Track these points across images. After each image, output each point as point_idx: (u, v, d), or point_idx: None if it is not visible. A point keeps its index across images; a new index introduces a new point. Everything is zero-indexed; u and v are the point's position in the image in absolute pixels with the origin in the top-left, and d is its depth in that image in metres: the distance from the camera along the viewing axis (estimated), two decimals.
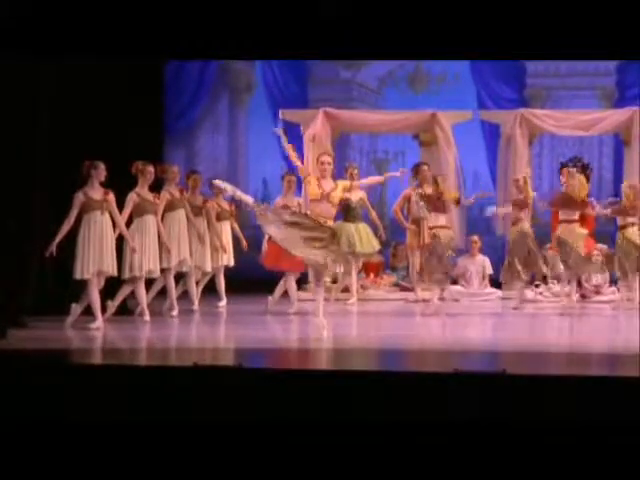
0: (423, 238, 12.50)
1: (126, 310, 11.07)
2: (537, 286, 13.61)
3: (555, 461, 6.08)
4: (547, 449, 6.11)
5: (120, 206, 10.36)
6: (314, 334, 9.29)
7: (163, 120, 15.16)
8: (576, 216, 11.90)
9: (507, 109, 14.83)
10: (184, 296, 11.82)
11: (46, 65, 10.26)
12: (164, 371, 7.48)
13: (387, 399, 6.52)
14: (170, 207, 11.33)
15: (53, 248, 9.81)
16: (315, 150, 13.51)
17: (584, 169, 15.03)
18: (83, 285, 10.08)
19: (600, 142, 15.85)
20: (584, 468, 6.07)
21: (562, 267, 12.03)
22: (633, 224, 12.12)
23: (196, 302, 11.84)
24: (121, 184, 10.54)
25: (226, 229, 12.25)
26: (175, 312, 11.35)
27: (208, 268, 11.90)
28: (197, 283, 12.00)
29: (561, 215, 11.96)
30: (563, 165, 14.34)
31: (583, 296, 13.43)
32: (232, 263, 12.24)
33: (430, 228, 11.91)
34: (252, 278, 12.32)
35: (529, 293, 13.24)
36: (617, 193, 12.97)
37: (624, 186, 12.48)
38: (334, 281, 13.35)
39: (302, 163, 9.67)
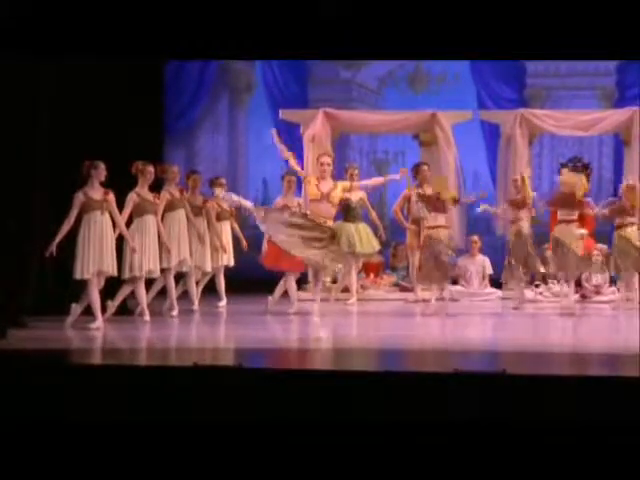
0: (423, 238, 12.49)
1: (126, 310, 11.07)
2: (537, 286, 13.61)
3: (555, 461, 6.08)
4: (547, 449, 6.11)
5: (120, 206, 10.36)
6: (314, 334, 9.28)
7: (163, 120, 15.16)
8: (574, 216, 11.89)
9: (507, 109, 14.83)
10: (184, 296, 11.82)
11: (46, 65, 10.26)
12: (164, 371, 7.48)
13: (387, 399, 6.52)
14: (170, 207, 11.33)
15: (53, 248, 9.81)
16: (315, 150, 13.53)
17: (584, 169, 15.06)
18: (83, 285, 10.08)
19: (600, 142, 15.85)
20: (584, 468, 6.07)
21: (555, 267, 12.00)
22: (632, 224, 12.11)
23: (196, 302, 11.84)
24: (121, 184, 10.54)
25: (226, 229, 12.25)
26: (175, 312, 11.35)
27: (208, 268, 11.90)
28: (197, 283, 12.00)
29: (559, 215, 11.95)
30: (563, 165, 14.36)
31: (583, 296, 13.43)
32: (232, 263, 12.24)
33: (428, 228, 11.90)
34: (252, 278, 12.32)
35: (529, 293, 13.25)
36: (617, 193, 12.96)
37: (622, 186, 12.48)
38: (334, 281, 13.35)
39: (301, 164, 9.67)
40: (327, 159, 9.58)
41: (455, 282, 13.73)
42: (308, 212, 9.47)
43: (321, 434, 6.26)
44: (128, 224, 10.60)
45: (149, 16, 7.96)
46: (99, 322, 10.00)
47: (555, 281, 13.34)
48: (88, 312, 10.08)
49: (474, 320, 12.11)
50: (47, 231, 10.09)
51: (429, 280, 11.92)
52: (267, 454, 6.23)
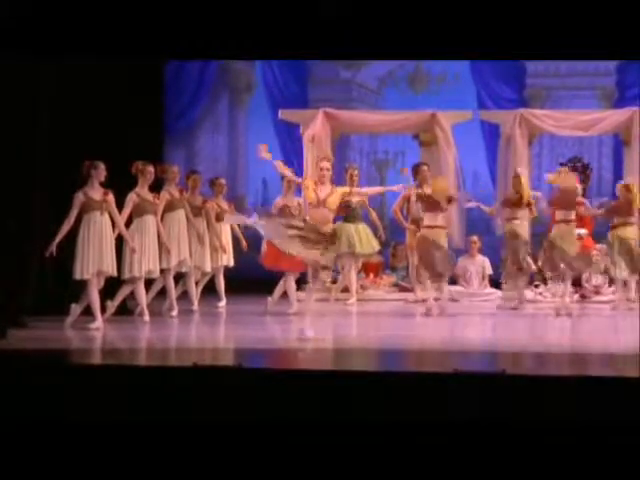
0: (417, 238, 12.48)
1: (126, 310, 11.07)
2: (537, 286, 13.61)
3: (555, 461, 6.08)
4: (547, 449, 6.11)
5: (120, 206, 10.37)
6: (314, 334, 9.28)
7: (163, 120, 15.16)
8: (573, 216, 11.89)
9: (507, 109, 14.82)
10: (184, 296, 11.81)
11: (46, 65, 10.25)
12: (164, 371, 7.49)
13: (387, 399, 6.52)
14: (170, 207, 11.33)
15: (53, 248, 9.81)
16: (314, 150, 13.54)
17: (584, 169, 15.08)
18: (83, 285, 10.08)
19: (600, 142, 15.85)
20: (584, 468, 6.07)
21: (548, 268, 11.99)
22: (630, 224, 12.10)
23: (196, 302, 11.84)
24: (121, 184, 10.54)
25: (226, 229, 12.24)
26: (175, 312, 11.35)
27: (208, 268, 11.90)
28: (197, 283, 12.00)
29: (557, 215, 11.94)
30: (562, 165, 14.36)
31: (583, 296, 13.43)
32: (232, 263, 12.24)
33: (424, 227, 11.88)
34: (252, 278, 12.31)
35: (529, 293, 13.24)
36: (616, 193, 12.95)
37: (619, 186, 12.47)
38: (334, 281, 13.35)
39: (301, 165, 9.67)
40: (326, 164, 9.56)
41: (455, 282, 13.72)
42: (307, 217, 9.46)
43: (321, 434, 6.26)
44: (128, 224, 10.60)
45: (149, 16, 7.96)
46: (99, 322, 10.00)
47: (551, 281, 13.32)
48: (88, 312, 10.08)
49: (474, 320, 12.11)
50: (47, 231, 10.09)
51: (428, 275, 11.84)
52: (267, 454, 6.23)
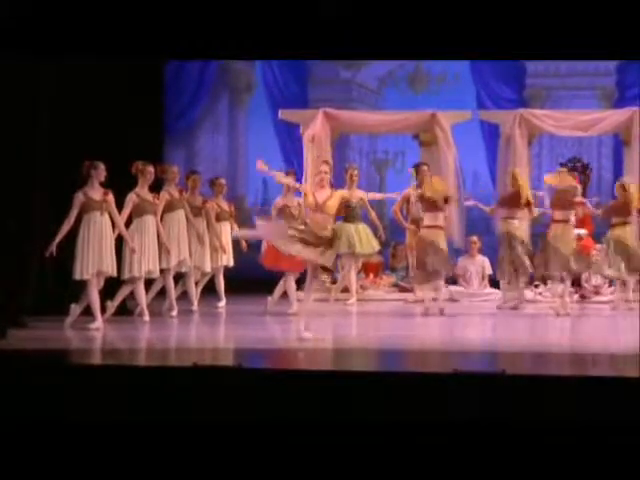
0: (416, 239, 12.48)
1: (125, 310, 11.06)
2: (537, 286, 13.61)
3: (555, 461, 6.08)
4: (547, 449, 6.11)
5: (120, 206, 10.37)
6: (314, 334, 9.28)
7: (163, 120, 15.16)
8: (571, 216, 11.88)
9: (507, 109, 14.82)
10: (183, 296, 11.81)
11: (46, 65, 10.25)
12: (164, 371, 7.49)
13: (387, 399, 6.52)
14: (169, 207, 11.33)
15: (53, 248, 9.81)
16: (314, 150, 13.54)
17: (584, 169, 15.08)
18: (83, 285, 10.08)
19: (599, 142, 15.85)
20: (584, 468, 6.07)
21: (543, 268, 11.99)
22: (628, 223, 12.10)
23: (195, 302, 11.84)
24: (121, 184, 10.54)
25: (225, 229, 12.23)
26: (174, 312, 11.35)
27: (207, 268, 11.90)
28: (196, 283, 12.00)
29: (556, 215, 11.94)
30: (562, 165, 14.36)
31: (583, 296, 13.43)
32: (231, 263, 12.24)
33: (423, 228, 11.88)
34: (252, 278, 12.31)
35: (529, 293, 13.25)
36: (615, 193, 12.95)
37: (617, 185, 12.46)
38: (334, 281, 13.35)
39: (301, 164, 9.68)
40: (325, 167, 9.56)
41: (455, 282, 13.73)
42: (307, 220, 9.46)
43: (321, 434, 6.26)
44: (128, 224, 10.60)
45: (149, 16, 7.96)
46: (99, 322, 10.00)
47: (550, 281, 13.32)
48: (88, 312, 10.08)
49: (474, 320, 12.11)
50: (47, 231, 10.09)
51: (427, 278, 11.84)
52: (267, 454, 6.23)
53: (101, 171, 10.01)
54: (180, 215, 11.43)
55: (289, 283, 11.80)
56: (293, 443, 6.24)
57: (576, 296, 13.25)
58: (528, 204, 12.18)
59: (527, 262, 12.14)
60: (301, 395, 6.55)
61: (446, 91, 15.74)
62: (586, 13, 7.65)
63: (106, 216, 10.05)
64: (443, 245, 11.66)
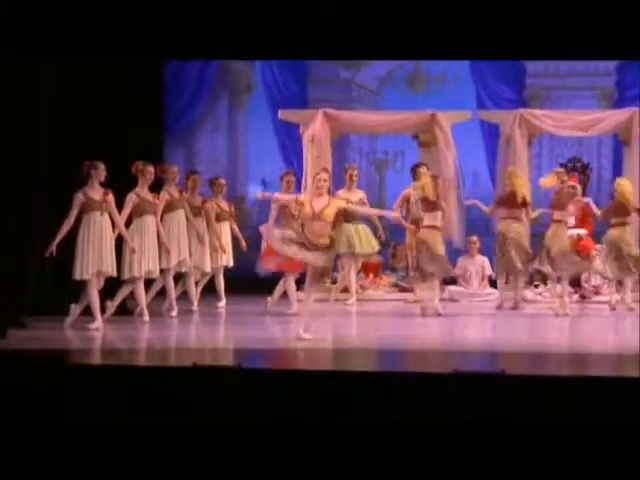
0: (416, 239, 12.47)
1: (125, 310, 11.06)
2: (537, 286, 13.62)
3: (555, 461, 6.09)
4: (547, 449, 6.12)
5: (120, 206, 10.37)
6: (314, 334, 9.28)
7: (163, 120, 15.15)
8: (567, 217, 11.88)
9: (506, 109, 14.81)
10: (183, 296, 11.81)
11: (46, 65, 10.25)
12: (164, 371, 7.49)
13: (387, 399, 6.52)
14: (169, 207, 11.33)
15: (53, 248, 9.82)
16: (314, 150, 13.54)
17: (584, 169, 15.08)
18: (83, 285, 10.08)
19: (599, 143, 15.85)
20: (584, 468, 6.07)
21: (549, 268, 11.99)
22: (627, 223, 12.10)
23: (195, 302, 11.84)
24: (121, 184, 10.54)
25: (225, 229, 12.24)
26: (174, 312, 11.35)
27: (207, 268, 11.90)
28: (196, 283, 12.00)
29: (554, 215, 11.94)
30: (562, 166, 14.36)
31: (583, 296, 13.43)
32: (231, 263, 12.24)
33: (422, 228, 11.87)
34: (251, 278, 12.31)
35: (529, 293, 13.25)
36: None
37: (615, 185, 12.46)
38: (333, 281, 13.35)
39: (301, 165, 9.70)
40: (324, 175, 9.54)
41: (455, 282, 13.73)
42: (305, 230, 9.44)
43: (321, 434, 6.26)
44: (127, 224, 10.60)
45: (149, 16, 7.96)
46: (98, 322, 10.00)
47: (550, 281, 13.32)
48: (87, 312, 10.08)
49: (474, 320, 12.11)
50: (47, 231, 10.09)
51: (422, 278, 11.82)
52: (267, 454, 6.23)
53: (101, 171, 10.01)
54: (180, 215, 11.43)
55: (289, 283, 11.80)
56: (293, 443, 6.24)
57: (576, 296, 13.25)
58: (524, 204, 12.16)
59: (519, 264, 12.09)
60: (301, 395, 6.55)
61: (446, 91, 15.73)
62: (586, 13, 7.65)
63: (106, 216, 10.05)
64: (439, 247, 11.62)
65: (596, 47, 7.97)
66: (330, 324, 10.77)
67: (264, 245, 11.55)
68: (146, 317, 10.79)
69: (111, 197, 10.06)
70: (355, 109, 15.61)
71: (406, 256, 13.63)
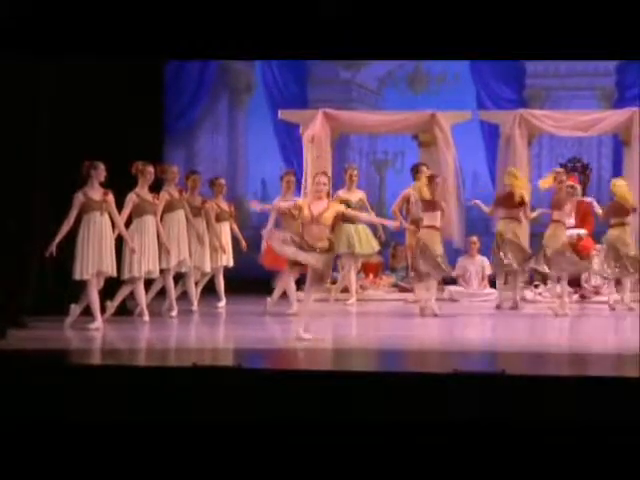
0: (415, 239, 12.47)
1: (125, 310, 11.06)
2: (536, 286, 13.61)
3: (555, 461, 6.09)
4: (547, 449, 6.12)
5: (120, 206, 10.37)
6: (314, 334, 9.28)
7: (163, 120, 15.15)
8: (564, 217, 11.88)
9: (506, 109, 14.81)
10: (183, 297, 11.81)
11: (46, 65, 10.25)
12: (164, 371, 7.49)
13: (387, 399, 6.52)
14: (169, 208, 11.33)
15: (53, 248, 9.82)
16: (314, 150, 13.54)
17: (584, 169, 15.08)
18: (82, 285, 10.08)
19: (599, 143, 15.85)
20: (584, 468, 6.07)
21: (546, 268, 11.99)
22: (626, 223, 12.10)
23: (195, 303, 11.84)
24: (121, 184, 10.54)
25: (225, 230, 12.24)
26: (174, 312, 11.35)
27: (207, 269, 11.90)
28: (196, 284, 12.00)
29: (553, 215, 11.95)
30: (562, 166, 14.35)
31: (582, 296, 13.43)
32: (231, 264, 12.24)
33: (422, 228, 11.87)
34: (251, 278, 12.31)
35: (529, 293, 13.24)
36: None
37: (611, 186, 12.47)
38: (334, 281, 13.35)
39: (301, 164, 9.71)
40: (324, 178, 9.53)
41: (455, 282, 13.73)
42: (304, 234, 9.44)
43: (321, 434, 6.26)
44: (127, 224, 10.60)
45: (149, 16, 7.96)
46: (98, 322, 10.00)
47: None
48: (87, 312, 10.08)
49: (474, 320, 12.11)
50: (47, 231, 10.09)
51: (420, 278, 11.81)
52: (267, 454, 6.23)
53: (101, 171, 10.01)
54: (180, 215, 11.43)
55: (289, 284, 11.79)
56: (293, 443, 6.24)
57: (576, 296, 13.25)
58: (522, 204, 12.15)
59: (514, 265, 12.10)
60: (301, 395, 6.55)
61: (446, 91, 15.73)
62: (586, 13, 7.65)
63: (106, 216, 10.05)
64: (438, 247, 11.60)
65: (596, 47, 7.97)
66: (330, 324, 10.77)
67: (264, 245, 11.57)
68: (146, 317, 10.80)
69: (111, 197, 10.06)
70: (355, 109, 15.61)
71: (406, 256, 13.62)
